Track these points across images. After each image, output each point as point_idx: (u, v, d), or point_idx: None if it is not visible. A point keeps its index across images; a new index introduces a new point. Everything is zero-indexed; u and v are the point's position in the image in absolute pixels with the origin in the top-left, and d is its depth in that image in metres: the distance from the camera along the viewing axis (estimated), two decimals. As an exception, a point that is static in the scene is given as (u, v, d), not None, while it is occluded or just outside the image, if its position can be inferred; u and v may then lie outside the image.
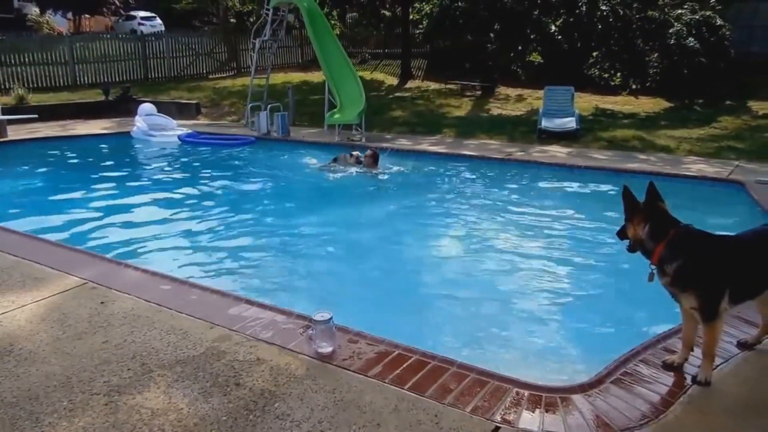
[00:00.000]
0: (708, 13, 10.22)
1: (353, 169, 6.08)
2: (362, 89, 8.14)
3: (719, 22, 10.04)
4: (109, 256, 3.41)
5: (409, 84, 12.97)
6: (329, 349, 2.16)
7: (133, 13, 22.62)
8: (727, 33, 9.98)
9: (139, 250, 3.90)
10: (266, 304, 2.62)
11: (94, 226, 4.50)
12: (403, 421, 1.77)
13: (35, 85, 11.65)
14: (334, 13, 14.72)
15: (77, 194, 5.51)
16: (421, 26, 14.01)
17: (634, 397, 1.91)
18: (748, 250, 2.03)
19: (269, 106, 8.47)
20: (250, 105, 8.94)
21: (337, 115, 8.05)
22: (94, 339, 2.29)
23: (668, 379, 2.01)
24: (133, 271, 3.02)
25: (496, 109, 10.08)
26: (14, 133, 8.21)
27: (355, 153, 6.13)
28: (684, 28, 9.98)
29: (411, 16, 13.75)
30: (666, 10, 10.65)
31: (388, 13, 14.24)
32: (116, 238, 4.19)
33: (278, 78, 12.49)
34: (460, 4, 12.05)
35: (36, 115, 9.20)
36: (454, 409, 1.83)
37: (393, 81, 13.45)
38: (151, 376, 2.02)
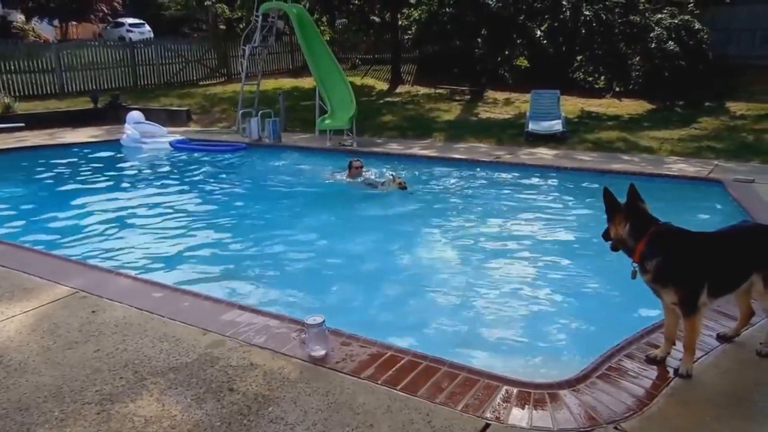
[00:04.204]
0: (687, 17, 10.52)
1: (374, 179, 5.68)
2: (352, 94, 8.20)
3: (698, 26, 10.35)
4: (99, 264, 3.39)
5: (399, 89, 13.07)
6: (322, 353, 2.18)
7: (121, 20, 22.43)
8: (706, 36, 10.29)
9: (131, 258, 3.88)
10: (259, 309, 2.64)
11: (84, 234, 4.46)
12: (395, 421, 1.80)
13: (22, 93, 11.47)
14: (324, 19, 14.78)
15: (66, 203, 5.44)
16: (410, 32, 14.16)
17: (620, 390, 1.96)
18: (726, 245, 2.12)
19: (260, 112, 8.48)
20: (241, 111, 8.93)
21: (328, 121, 8.09)
22: (86, 348, 2.29)
23: (652, 372, 2.07)
24: (124, 279, 3.01)
25: (484, 112, 10.22)
26: (1, 141, 8.09)
27: (391, 175, 5.41)
28: (664, 32, 10.26)
29: (400, 22, 13.87)
30: (647, 14, 10.93)
31: (377, 19, 14.32)
32: (107, 246, 4.16)
33: (269, 84, 12.49)
34: (447, 9, 12.21)
35: (23, 124, 9.07)
36: (445, 407, 1.86)
37: (383, 86, 13.55)
38: (144, 384, 2.02)
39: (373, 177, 5.88)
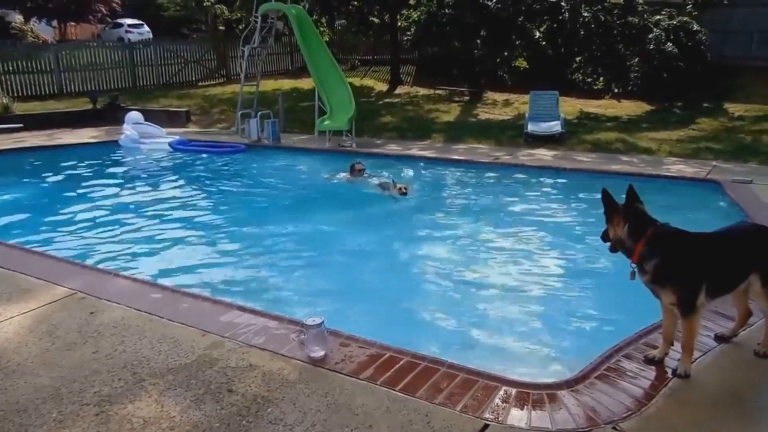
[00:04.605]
0: (685, 18, 10.57)
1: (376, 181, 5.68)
2: (352, 95, 8.20)
3: (696, 27, 10.40)
4: (98, 265, 3.39)
5: (399, 90, 13.08)
6: (321, 353, 2.19)
7: (120, 20, 22.45)
8: (704, 38, 10.34)
9: (129, 259, 3.88)
10: (258, 310, 2.64)
11: (83, 235, 4.46)
12: (394, 421, 1.80)
13: (20, 94, 11.46)
14: (323, 20, 14.80)
15: (64, 204, 5.44)
16: (409, 33, 14.18)
17: (618, 391, 1.97)
18: (724, 246, 2.12)
19: (259, 113, 8.49)
20: (241, 112, 8.93)
21: (327, 122, 8.09)
22: (84, 349, 2.28)
23: (650, 373, 2.08)
24: (122, 281, 3.01)
25: (483, 113, 10.24)
26: (-1, 143, 8.10)
27: (396, 184, 5.32)
28: (663, 34, 10.30)
29: (399, 23, 13.88)
30: (645, 16, 10.97)
31: (376, 20, 14.34)
32: (105, 247, 4.16)
33: (268, 85, 12.50)
34: (447, 11, 12.24)
35: (21, 125, 9.06)
36: (444, 408, 1.86)
37: (382, 87, 13.56)
38: (143, 385, 2.02)
39: (384, 179, 5.79)
